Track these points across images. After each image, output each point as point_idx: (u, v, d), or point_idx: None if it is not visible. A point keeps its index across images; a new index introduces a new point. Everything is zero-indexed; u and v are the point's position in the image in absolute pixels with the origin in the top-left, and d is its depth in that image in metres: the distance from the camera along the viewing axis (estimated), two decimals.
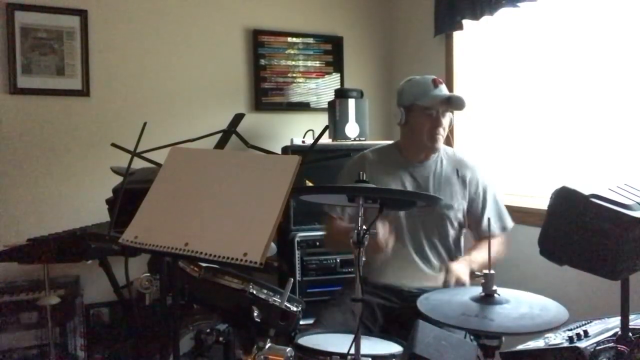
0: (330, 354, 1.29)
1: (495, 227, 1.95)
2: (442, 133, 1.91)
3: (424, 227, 1.92)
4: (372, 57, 3.47)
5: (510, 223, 2.00)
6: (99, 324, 2.68)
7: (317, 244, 2.62)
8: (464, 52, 2.89)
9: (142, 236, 1.23)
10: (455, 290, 1.56)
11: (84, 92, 2.75)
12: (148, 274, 1.66)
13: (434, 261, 1.93)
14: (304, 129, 3.10)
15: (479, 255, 1.82)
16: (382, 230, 1.62)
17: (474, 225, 1.98)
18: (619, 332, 1.21)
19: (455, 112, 1.96)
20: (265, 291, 1.43)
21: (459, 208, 1.94)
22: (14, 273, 2.51)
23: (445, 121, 1.90)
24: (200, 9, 3.01)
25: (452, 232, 1.94)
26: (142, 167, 1.78)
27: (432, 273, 1.92)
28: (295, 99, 3.27)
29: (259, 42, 3.14)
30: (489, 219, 1.66)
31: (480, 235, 1.96)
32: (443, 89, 1.90)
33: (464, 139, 2.87)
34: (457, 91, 2.86)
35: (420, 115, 1.89)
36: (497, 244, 1.94)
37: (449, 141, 1.99)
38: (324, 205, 1.98)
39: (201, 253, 1.15)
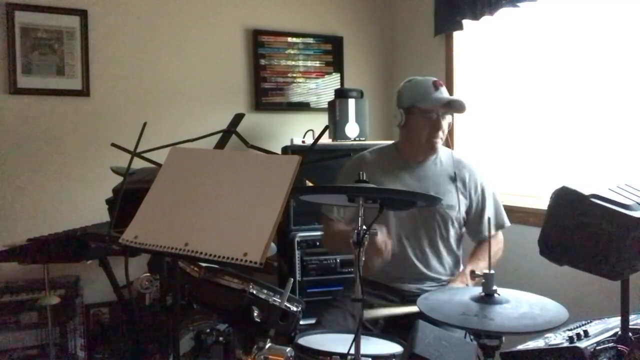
0: (330, 354, 1.29)
1: (492, 227, 1.95)
2: (442, 136, 1.91)
3: (425, 228, 1.92)
4: (372, 57, 3.47)
5: (507, 221, 2.01)
6: (99, 324, 2.68)
7: (317, 244, 2.62)
8: (464, 52, 2.89)
9: (142, 236, 1.23)
10: (455, 290, 1.56)
11: (84, 92, 2.75)
12: (148, 274, 1.66)
13: (435, 262, 1.93)
14: (304, 129, 3.09)
15: (482, 264, 1.81)
16: (380, 234, 1.63)
17: (473, 226, 1.99)
18: (619, 332, 1.21)
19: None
20: (265, 291, 1.43)
21: (459, 208, 1.94)
22: (14, 273, 2.50)
23: (445, 124, 1.90)
24: (200, 9, 3.01)
25: (453, 232, 1.95)
26: (142, 167, 1.77)
27: (432, 274, 1.92)
28: (295, 99, 3.26)
29: (259, 42, 3.14)
30: (489, 219, 1.67)
31: (479, 235, 1.97)
32: (444, 92, 1.89)
33: (464, 139, 2.87)
34: (457, 91, 2.86)
35: (420, 118, 1.88)
36: (494, 244, 1.94)
37: (447, 142, 1.99)
38: (321, 206, 1.98)
39: (201, 253, 1.14)
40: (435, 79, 1.91)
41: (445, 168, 1.97)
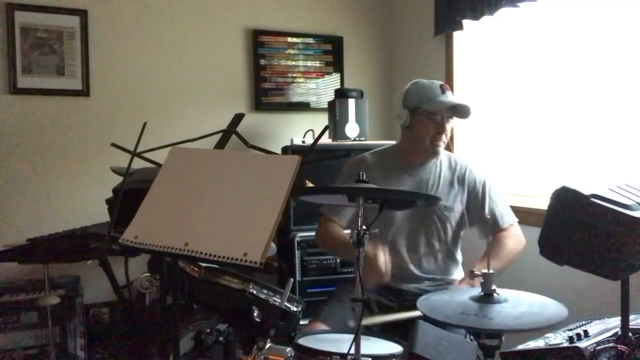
0: (330, 354, 1.29)
1: (509, 219, 1.95)
2: (444, 139, 1.91)
3: (423, 229, 1.92)
4: (372, 57, 3.47)
5: (514, 216, 2.00)
6: (99, 324, 2.68)
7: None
8: (464, 52, 2.89)
9: (142, 236, 1.23)
10: (455, 291, 1.56)
11: (84, 92, 2.75)
12: (148, 274, 1.66)
13: (432, 263, 1.93)
14: (304, 129, 3.10)
15: (497, 262, 1.76)
16: (382, 255, 1.65)
17: (480, 223, 1.97)
18: (619, 332, 1.21)
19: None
20: (265, 291, 1.43)
21: (458, 210, 1.94)
22: (14, 273, 2.51)
23: (449, 127, 1.91)
24: (200, 9, 3.01)
25: (450, 234, 1.95)
26: (142, 167, 1.78)
27: (430, 275, 1.92)
28: (295, 99, 3.26)
29: (259, 42, 3.14)
30: (487, 219, 1.67)
31: (494, 228, 1.94)
32: (450, 96, 1.90)
33: (464, 139, 2.87)
34: (457, 91, 2.86)
35: (425, 120, 1.89)
36: (509, 240, 1.91)
37: (448, 144, 1.99)
38: (322, 206, 1.98)
39: (201, 253, 1.15)
40: (442, 82, 1.92)
41: (445, 170, 1.98)
